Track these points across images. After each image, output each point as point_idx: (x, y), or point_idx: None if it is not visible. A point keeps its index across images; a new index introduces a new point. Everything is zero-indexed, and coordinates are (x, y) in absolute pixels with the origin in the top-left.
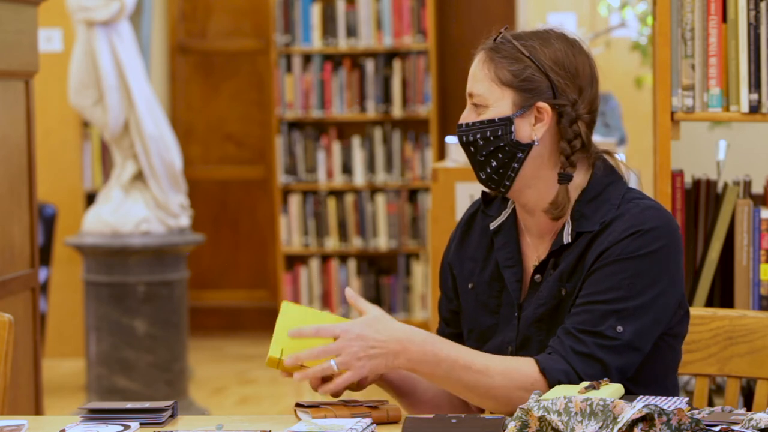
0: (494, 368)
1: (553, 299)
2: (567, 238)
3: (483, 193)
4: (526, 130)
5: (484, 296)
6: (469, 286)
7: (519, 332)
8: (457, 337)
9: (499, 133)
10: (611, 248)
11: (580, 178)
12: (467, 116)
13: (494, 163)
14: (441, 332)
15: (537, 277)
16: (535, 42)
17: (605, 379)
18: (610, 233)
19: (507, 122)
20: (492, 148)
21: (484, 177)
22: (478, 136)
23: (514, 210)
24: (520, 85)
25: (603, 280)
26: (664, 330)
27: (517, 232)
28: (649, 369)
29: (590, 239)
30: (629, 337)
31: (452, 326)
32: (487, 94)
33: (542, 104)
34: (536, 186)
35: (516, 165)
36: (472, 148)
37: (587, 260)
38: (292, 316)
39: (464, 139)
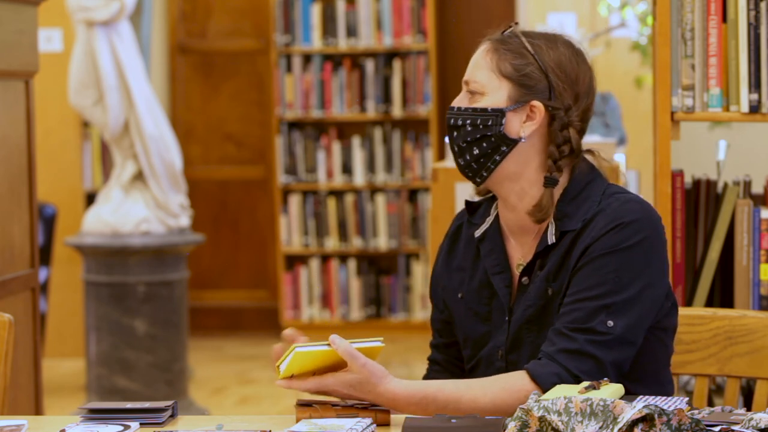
0: (482, 399)
1: (541, 300)
2: (551, 239)
3: (467, 202)
4: (516, 125)
5: (474, 304)
6: (459, 295)
7: (509, 335)
8: (450, 346)
9: (489, 123)
10: (594, 244)
11: (562, 178)
12: (460, 101)
13: (476, 151)
14: (435, 343)
15: (524, 279)
16: (542, 42)
17: (605, 379)
18: (593, 229)
19: (499, 114)
20: (478, 136)
21: (462, 163)
22: (468, 121)
23: (497, 217)
24: (518, 80)
25: (589, 276)
26: (653, 323)
27: (501, 237)
28: (641, 365)
29: (573, 237)
30: (620, 331)
31: (444, 336)
32: (485, 82)
33: (537, 103)
34: (517, 183)
35: (497, 158)
36: (455, 132)
37: (572, 258)
38: (301, 359)
39: (452, 121)
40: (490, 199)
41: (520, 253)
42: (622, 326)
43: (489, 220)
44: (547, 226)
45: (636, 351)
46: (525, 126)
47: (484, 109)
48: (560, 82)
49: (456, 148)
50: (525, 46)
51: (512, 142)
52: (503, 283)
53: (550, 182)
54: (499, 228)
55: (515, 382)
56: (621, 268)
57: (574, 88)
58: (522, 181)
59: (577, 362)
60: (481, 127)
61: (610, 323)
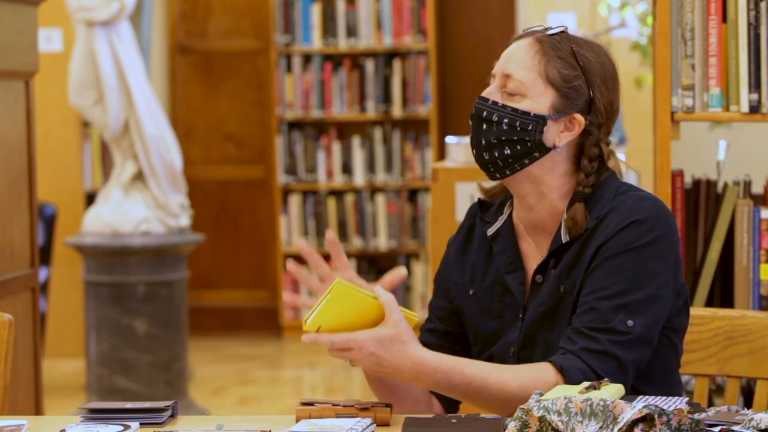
0: (511, 382)
1: (553, 297)
2: (564, 237)
3: (479, 200)
4: (553, 134)
5: (485, 301)
6: (470, 292)
7: (522, 332)
8: (449, 335)
9: (529, 128)
10: (608, 242)
11: (578, 176)
12: (493, 93)
13: (507, 152)
14: (431, 328)
15: (538, 277)
16: (590, 53)
17: (605, 378)
18: (606, 226)
19: (541, 121)
20: (514, 138)
21: (487, 158)
22: (506, 120)
23: (510, 215)
24: (565, 91)
25: (606, 275)
26: (665, 323)
27: (514, 236)
28: (652, 366)
29: (587, 235)
30: (640, 330)
31: (445, 324)
32: (529, 85)
33: (578, 116)
34: (537, 186)
35: (526, 161)
36: (485, 126)
37: (585, 256)
38: (340, 298)
39: (485, 114)
40: (502, 199)
41: (533, 251)
42: (641, 325)
43: (502, 218)
44: (560, 225)
45: (652, 350)
46: (562, 136)
47: (526, 113)
48: (602, 99)
49: (483, 142)
50: (575, 55)
51: (546, 150)
52: (517, 281)
53: (581, 196)
54: (512, 226)
55: (542, 372)
56: (637, 266)
57: (613, 104)
58: (542, 186)
59: (600, 362)
60: (519, 129)
61: (630, 323)
